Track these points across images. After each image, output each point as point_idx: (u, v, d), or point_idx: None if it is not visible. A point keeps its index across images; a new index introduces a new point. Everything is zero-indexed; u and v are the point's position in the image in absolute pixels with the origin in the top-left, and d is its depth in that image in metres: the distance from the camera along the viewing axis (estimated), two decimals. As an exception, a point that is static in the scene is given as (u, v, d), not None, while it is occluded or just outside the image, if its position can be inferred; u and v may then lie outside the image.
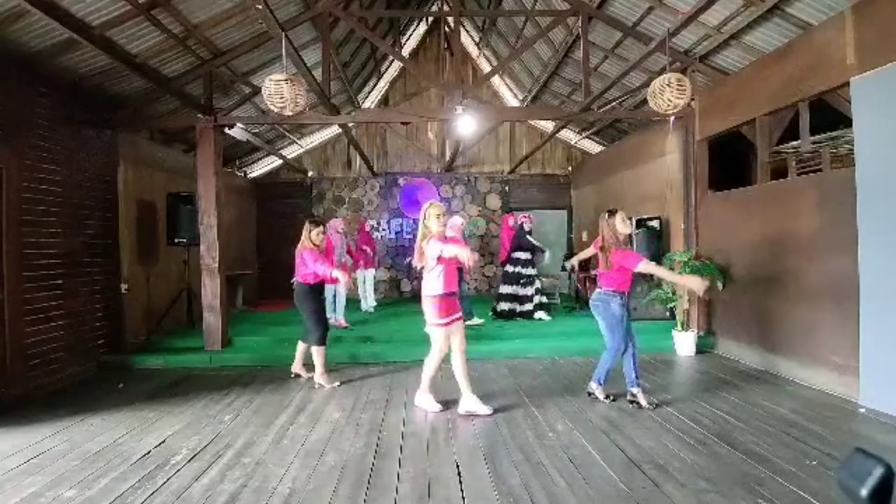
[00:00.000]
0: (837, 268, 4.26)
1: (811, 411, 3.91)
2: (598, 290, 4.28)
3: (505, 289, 7.73)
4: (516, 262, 7.65)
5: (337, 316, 7.35)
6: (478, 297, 10.34)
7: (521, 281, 7.62)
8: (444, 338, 4.04)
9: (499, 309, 7.68)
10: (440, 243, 3.90)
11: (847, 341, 4.11)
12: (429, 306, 4.01)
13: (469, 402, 4.04)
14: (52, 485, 2.90)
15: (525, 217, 7.87)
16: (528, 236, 7.64)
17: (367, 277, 8.90)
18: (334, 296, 7.31)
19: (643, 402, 4.10)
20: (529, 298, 7.62)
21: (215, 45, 5.99)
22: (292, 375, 5.19)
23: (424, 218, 4.01)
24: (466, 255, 3.78)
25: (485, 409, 4.00)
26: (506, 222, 8.94)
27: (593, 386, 4.34)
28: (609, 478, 2.88)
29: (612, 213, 4.18)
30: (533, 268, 7.67)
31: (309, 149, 11.25)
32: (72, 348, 5.30)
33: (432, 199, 4.28)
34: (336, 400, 4.49)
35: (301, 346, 5.18)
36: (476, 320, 7.08)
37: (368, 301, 8.89)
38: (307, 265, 4.88)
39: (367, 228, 9.60)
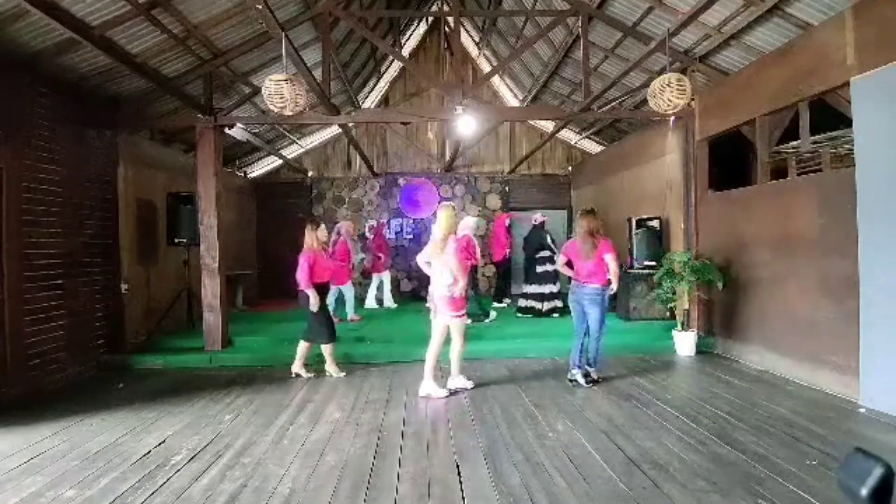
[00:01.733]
0: (837, 268, 4.26)
1: (811, 411, 3.91)
2: (595, 285, 4.65)
3: (532, 288, 7.87)
4: (544, 260, 7.77)
5: (350, 314, 7.62)
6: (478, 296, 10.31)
7: (555, 280, 7.83)
8: (462, 326, 4.59)
9: (528, 306, 7.86)
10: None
11: (847, 341, 4.11)
12: (445, 302, 4.47)
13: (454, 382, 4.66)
14: (52, 485, 2.90)
15: (542, 216, 8.08)
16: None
17: (385, 279, 9.34)
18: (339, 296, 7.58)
19: (582, 382, 4.72)
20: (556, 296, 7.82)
21: (215, 45, 5.99)
22: (293, 375, 5.19)
23: (455, 216, 4.63)
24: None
25: (441, 392, 4.51)
26: (502, 221, 9.01)
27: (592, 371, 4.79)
28: (609, 478, 2.88)
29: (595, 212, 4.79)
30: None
31: (309, 149, 11.25)
32: (72, 348, 5.30)
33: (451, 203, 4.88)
34: (336, 400, 4.49)
35: (302, 345, 5.19)
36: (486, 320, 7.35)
37: (372, 301, 9.29)
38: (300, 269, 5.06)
39: (384, 231, 9.88)
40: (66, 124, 5.32)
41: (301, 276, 5.00)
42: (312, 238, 5.14)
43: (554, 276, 7.72)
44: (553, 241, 7.90)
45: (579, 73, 7.03)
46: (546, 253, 7.76)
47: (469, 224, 7.14)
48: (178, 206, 6.73)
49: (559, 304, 7.71)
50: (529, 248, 8.03)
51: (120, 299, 6.13)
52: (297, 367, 5.23)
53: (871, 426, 3.61)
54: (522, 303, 8.02)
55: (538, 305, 7.80)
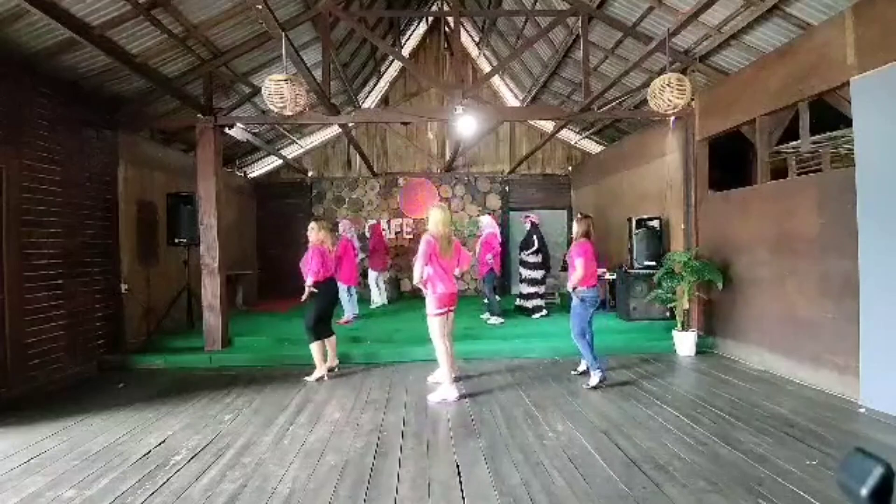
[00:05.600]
0: (837, 268, 4.26)
1: (811, 411, 3.91)
2: (595, 287, 4.77)
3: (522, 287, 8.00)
4: (528, 264, 7.81)
5: (346, 315, 7.54)
6: (476, 296, 10.33)
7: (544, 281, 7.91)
8: (434, 326, 4.49)
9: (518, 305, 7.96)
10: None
11: (847, 341, 4.11)
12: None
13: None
14: (52, 485, 2.90)
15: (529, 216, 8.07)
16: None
17: (380, 277, 9.34)
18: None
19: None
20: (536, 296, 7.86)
21: (215, 45, 5.99)
22: (318, 379, 5.11)
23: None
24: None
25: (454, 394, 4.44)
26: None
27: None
28: (609, 478, 2.88)
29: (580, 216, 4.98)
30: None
31: (309, 149, 11.25)
32: (72, 348, 5.30)
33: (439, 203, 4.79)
34: (336, 400, 4.49)
35: (312, 347, 5.17)
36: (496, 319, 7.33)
37: (382, 297, 9.30)
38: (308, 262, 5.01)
39: (382, 230, 9.94)
40: (66, 124, 5.32)
41: (313, 266, 4.96)
42: (324, 236, 5.16)
43: (538, 280, 7.78)
44: (537, 241, 7.83)
45: (579, 73, 7.03)
46: (531, 257, 7.75)
47: (491, 223, 7.63)
48: (178, 206, 6.73)
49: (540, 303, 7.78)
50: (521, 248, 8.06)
51: (120, 299, 6.13)
52: (330, 362, 5.18)
53: (871, 426, 3.61)
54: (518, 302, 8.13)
55: (527, 304, 7.86)
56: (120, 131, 6.21)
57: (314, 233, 5.16)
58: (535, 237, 7.74)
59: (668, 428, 3.63)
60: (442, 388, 4.45)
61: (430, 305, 4.45)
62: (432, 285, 4.40)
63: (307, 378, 5.06)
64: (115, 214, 6.14)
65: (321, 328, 5.14)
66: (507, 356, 5.91)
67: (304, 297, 5.04)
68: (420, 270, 4.37)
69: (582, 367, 5.01)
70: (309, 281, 4.97)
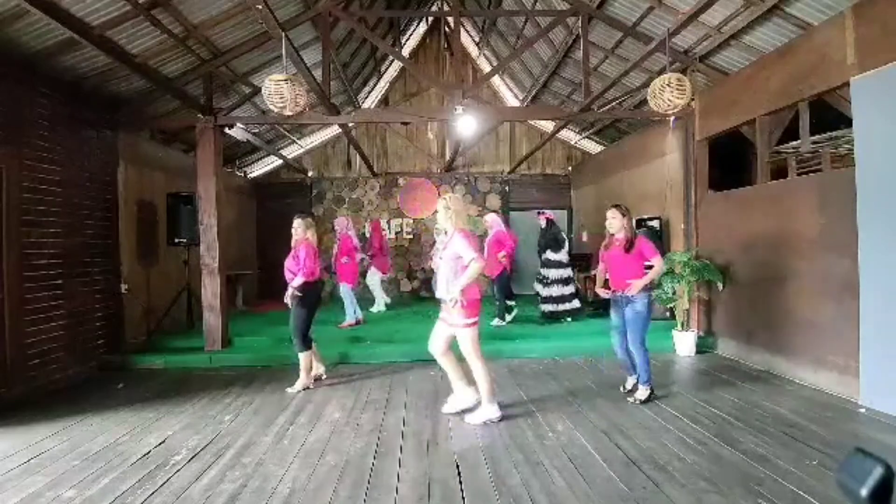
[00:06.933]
0: (837, 267, 4.26)
1: (811, 411, 3.91)
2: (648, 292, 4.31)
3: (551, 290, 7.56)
4: (552, 263, 7.48)
5: (357, 315, 7.46)
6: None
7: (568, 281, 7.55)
8: (473, 337, 3.79)
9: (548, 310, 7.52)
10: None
11: (847, 341, 4.11)
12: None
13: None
14: (52, 485, 2.90)
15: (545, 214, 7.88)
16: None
17: (380, 279, 9.10)
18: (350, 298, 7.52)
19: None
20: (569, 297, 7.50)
21: (215, 45, 5.99)
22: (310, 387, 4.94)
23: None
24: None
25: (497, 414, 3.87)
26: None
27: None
28: (609, 478, 2.88)
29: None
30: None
31: (309, 149, 11.25)
32: (72, 348, 5.30)
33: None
34: (336, 400, 4.49)
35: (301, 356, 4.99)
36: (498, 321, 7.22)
37: (381, 303, 9.09)
38: (300, 260, 4.69)
39: (382, 230, 9.80)
40: (66, 124, 5.32)
41: (307, 265, 4.63)
42: (312, 234, 4.89)
43: (569, 279, 7.46)
44: (550, 240, 7.55)
45: (579, 73, 7.03)
46: (555, 255, 7.41)
47: (498, 220, 7.53)
48: (178, 206, 6.74)
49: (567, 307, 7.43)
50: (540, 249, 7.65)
51: (120, 299, 6.13)
52: (316, 370, 4.99)
53: (871, 426, 3.61)
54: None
55: (559, 308, 7.44)
56: (120, 131, 6.21)
57: (300, 230, 4.85)
58: (552, 234, 7.45)
59: (668, 428, 3.63)
60: (483, 408, 3.85)
61: (463, 315, 3.67)
62: (469, 290, 3.70)
63: (289, 389, 4.71)
64: (115, 214, 6.13)
65: (308, 336, 4.87)
66: (508, 356, 5.90)
67: (287, 300, 4.70)
68: (481, 265, 3.68)
69: (630, 384, 4.49)
70: (298, 282, 4.62)
